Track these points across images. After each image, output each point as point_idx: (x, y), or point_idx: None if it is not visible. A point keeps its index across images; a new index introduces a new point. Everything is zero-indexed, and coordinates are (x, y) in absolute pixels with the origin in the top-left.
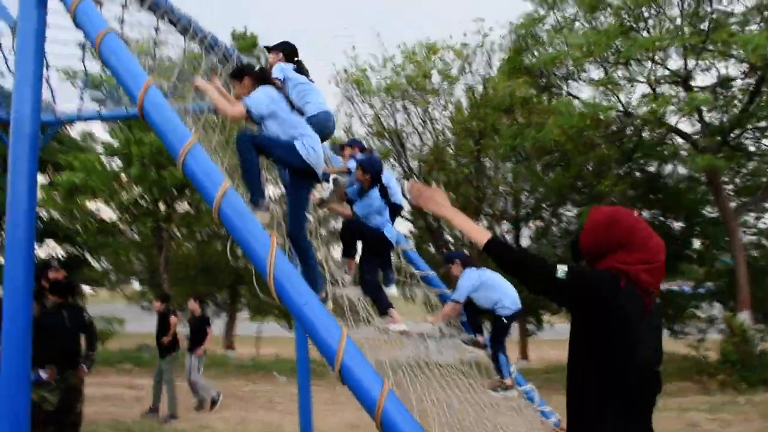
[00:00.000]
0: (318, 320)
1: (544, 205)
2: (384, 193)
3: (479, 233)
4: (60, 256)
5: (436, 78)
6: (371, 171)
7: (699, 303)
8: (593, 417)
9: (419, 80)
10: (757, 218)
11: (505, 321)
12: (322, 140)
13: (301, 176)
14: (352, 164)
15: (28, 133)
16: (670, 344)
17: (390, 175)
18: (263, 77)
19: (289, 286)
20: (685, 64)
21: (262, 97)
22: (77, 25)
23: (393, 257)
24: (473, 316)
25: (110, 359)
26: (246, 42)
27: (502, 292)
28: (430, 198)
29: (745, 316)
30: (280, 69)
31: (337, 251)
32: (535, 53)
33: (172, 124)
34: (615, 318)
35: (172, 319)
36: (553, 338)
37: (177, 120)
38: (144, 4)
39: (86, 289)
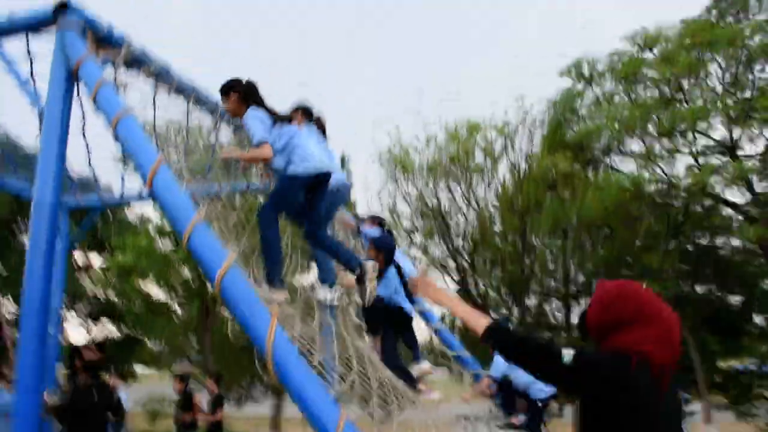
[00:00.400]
0: (316, 404)
1: (594, 282)
2: (399, 272)
3: (478, 321)
4: (115, 336)
5: (479, 156)
6: (384, 250)
7: (766, 382)
8: None
9: (462, 158)
10: None
11: (539, 404)
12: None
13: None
14: (372, 231)
15: (48, 215)
16: (736, 427)
17: (402, 254)
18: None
19: (288, 367)
20: (730, 133)
21: (260, 125)
22: (97, 107)
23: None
24: (509, 396)
25: None
26: None
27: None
28: (428, 288)
29: None
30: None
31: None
32: (574, 128)
33: (179, 202)
34: (626, 405)
35: (196, 397)
36: None
37: (184, 198)
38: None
39: (138, 369)
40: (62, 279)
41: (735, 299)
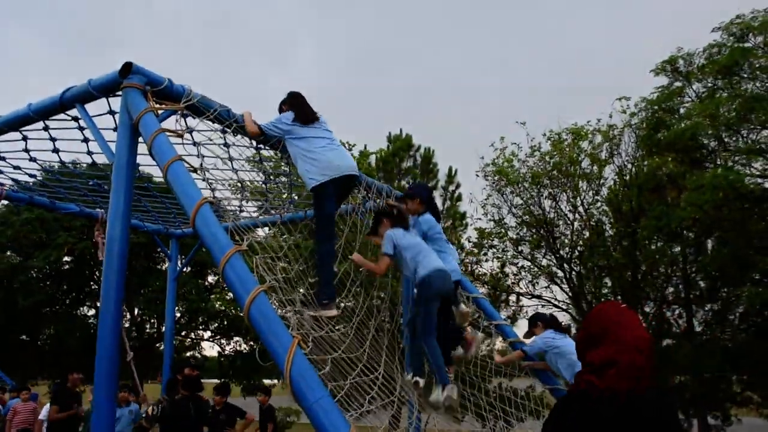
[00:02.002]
0: (326, 416)
1: (721, 287)
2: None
3: None
4: (244, 349)
5: (585, 163)
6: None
7: None
8: None
9: (566, 166)
10: None
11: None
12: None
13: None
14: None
15: (117, 253)
16: None
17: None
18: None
19: (302, 384)
20: None
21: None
22: (152, 155)
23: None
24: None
25: None
26: (401, 142)
27: (566, 366)
28: None
29: None
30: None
31: None
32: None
33: (215, 236)
34: None
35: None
36: None
37: (222, 234)
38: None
39: (267, 381)
40: (174, 298)
41: None
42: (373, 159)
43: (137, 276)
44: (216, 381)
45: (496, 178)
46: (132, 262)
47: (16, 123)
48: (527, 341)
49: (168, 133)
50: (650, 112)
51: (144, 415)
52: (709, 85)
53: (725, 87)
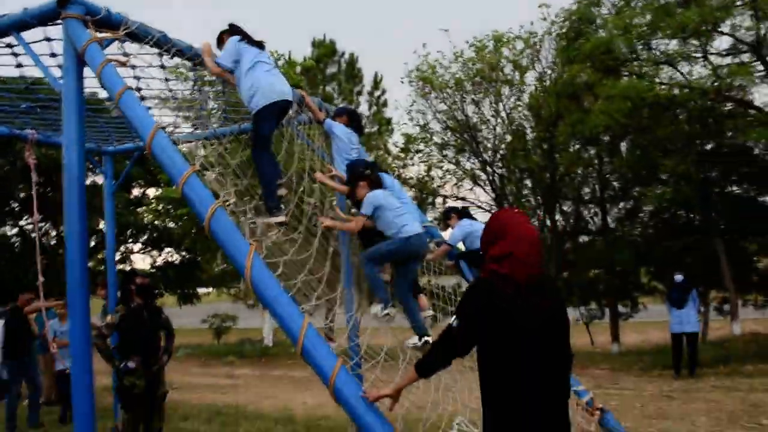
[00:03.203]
0: (284, 311)
1: (633, 187)
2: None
3: (409, 376)
4: (176, 259)
5: (507, 69)
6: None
7: None
8: (504, 411)
9: (489, 72)
10: None
11: None
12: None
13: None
14: (338, 128)
15: (77, 172)
16: (753, 325)
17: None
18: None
19: (261, 284)
20: (757, 31)
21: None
22: (102, 85)
23: None
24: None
25: (218, 353)
26: (326, 48)
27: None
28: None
29: None
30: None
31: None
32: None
33: (172, 160)
34: (493, 318)
35: None
36: (646, 320)
37: (178, 157)
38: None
39: (201, 290)
40: (113, 215)
41: None
42: (298, 69)
43: (61, 191)
44: None
45: (420, 84)
46: (53, 177)
47: None
48: (445, 234)
49: (113, 63)
50: (569, 23)
51: (104, 323)
52: None
53: None
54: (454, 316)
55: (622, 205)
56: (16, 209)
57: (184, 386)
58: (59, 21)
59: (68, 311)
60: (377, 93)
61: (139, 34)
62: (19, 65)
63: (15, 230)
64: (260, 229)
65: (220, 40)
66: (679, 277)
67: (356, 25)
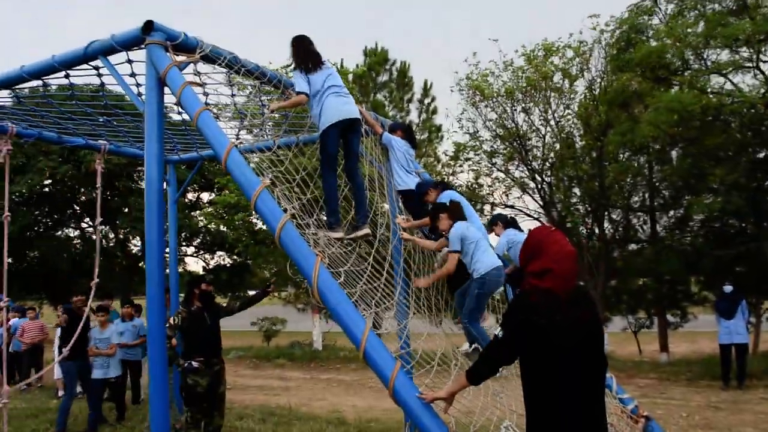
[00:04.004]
0: (347, 316)
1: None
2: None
3: (460, 380)
4: (227, 263)
5: (557, 77)
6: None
7: None
8: (545, 418)
9: (539, 81)
10: None
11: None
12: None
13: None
14: (397, 143)
15: (156, 181)
16: None
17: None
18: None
19: (327, 292)
20: None
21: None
22: (181, 106)
23: None
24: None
25: (269, 355)
26: (378, 57)
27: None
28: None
29: None
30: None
31: None
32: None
33: (246, 176)
34: (536, 327)
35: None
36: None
37: (250, 173)
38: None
39: (251, 292)
40: (175, 221)
41: None
42: (350, 78)
43: (120, 197)
44: None
45: (470, 92)
46: (115, 183)
47: (40, 72)
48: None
49: (192, 85)
50: (620, 31)
51: (167, 324)
52: (677, 4)
53: (692, 7)
54: (500, 328)
55: (671, 213)
56: (78, 212)
57: (237, 387)
58: (142, 46)
59: (147, 313)
60: (427, 100)
61: (212, 56)
62: (102, 84)
63: (77, 232)
64: (323, 241)
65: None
66: (728, 288)
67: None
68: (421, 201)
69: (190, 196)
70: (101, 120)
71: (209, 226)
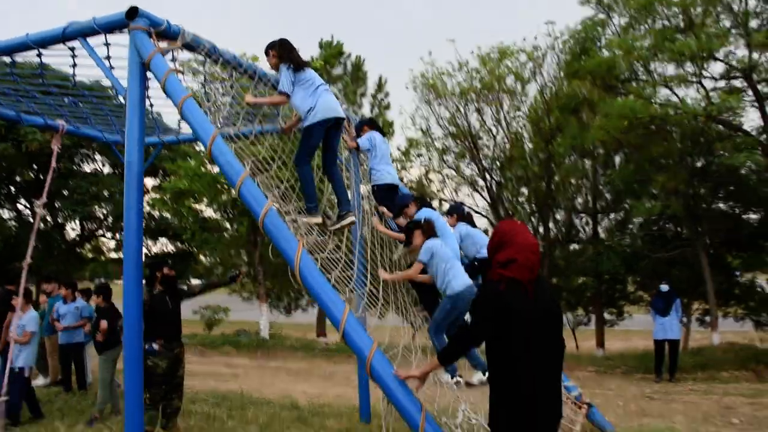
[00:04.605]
0: (328, 299)
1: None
2: None
3: (432, 363)
4: (171, 251)
5: (510, 80)
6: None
7: None
8: (510, 380)
9: (493, 83)
10: None
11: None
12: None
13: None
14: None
15: (137, 163)
16: (732, 336)
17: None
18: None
19: (309, 276)
20: (750, 58)
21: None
22: (166, 93)
23: None
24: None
25: (214, 342)
26: (333, 49)
27: (475, 250)
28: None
29: None
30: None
31: None
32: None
33: (230, 163)
34: (502, 313)
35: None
36: (630, 328)
37: (234, 160)
38: (218, 63)
39: (193, 281)
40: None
41: (753, 217)
42: None
43: (61, 178)
44: None
45: (425, 90)
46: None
47: (12, 49)
48: None
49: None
50: (575, 41)
51: None
52: (629, 18)
53: (642, 22)
54: (469, 314)
55: (612, 216)
56: (14, 193)
57: (186, 373)
58: (125, 30)
59: (124, 299)
60: (380, 96)
61: (193, 44)
62: (74, 65)
63: (12, 214)
64: (304, 228)
65: (267, 54)
66: (664, 287)
67: (363, 29)
68: (401, 214)
69: None
70: (66, 101)
71: (152, 212)
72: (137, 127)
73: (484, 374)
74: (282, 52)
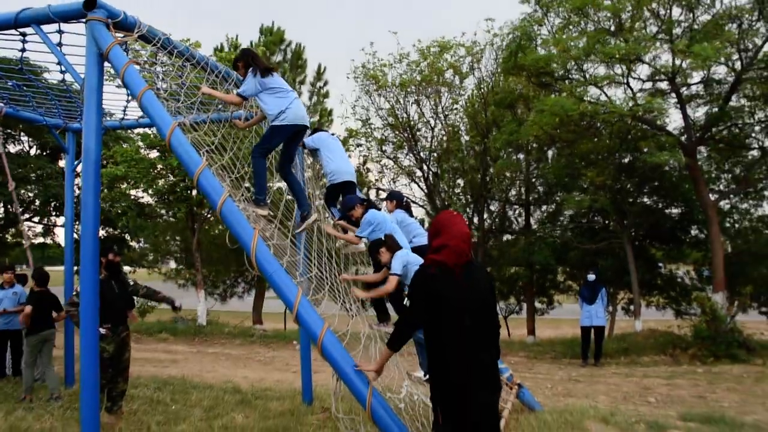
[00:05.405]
0: (282, 282)
1: (555, 192)
2: None
3: (384, 354)
4: (101, 236)
5: (448, 73)
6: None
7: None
8: (441, 364)
9: (432, 76)
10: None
11: None
12: None
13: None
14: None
15: (93, 160)
16: (654, 324)
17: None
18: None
19: (264, 262)
20: (673, 62)
21: (252, 82)
22: (125, 85)
23: None
24: None
25: (150, 329)
26: (274, 36)
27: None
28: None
29: (719, 298)
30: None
31: None
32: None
33: (189, 154)
34: (433, 294)
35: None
36: (559, 317)
37: (193, 151)
38: (172, 55)
39: (126, 268)
40: (72, 192)
41: (675, 212)
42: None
43: None
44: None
45: (366, 81)
46: None
47: None
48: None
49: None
50: (513, 37)
51: (75, 292)
52: (564, 19)
53: (576, 23)
54: (407, 298)
55: (544, 208)
56: None
57: None
58: (82, 21)
59: (80, 284)
60: (320, 84)
61: (148, 36)
62: (23, 50)
63: None
64: (252, 217)
65: (236, 67)
66: (591, 276)
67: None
68: (347, 215)
69: (62, 163)
70: (10, 84)
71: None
72: (95, 115)
73: (425, 375)
74: (246, 59)
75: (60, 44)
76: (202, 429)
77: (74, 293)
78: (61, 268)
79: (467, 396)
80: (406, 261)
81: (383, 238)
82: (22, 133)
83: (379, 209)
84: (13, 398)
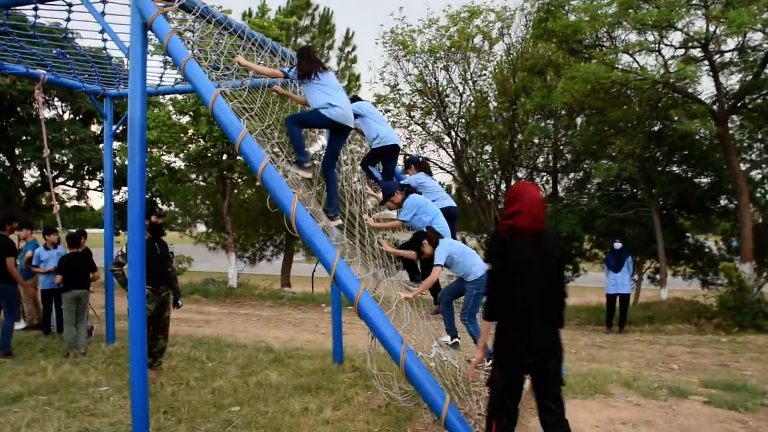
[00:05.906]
0: (321, 245)
1: (583, 160)
2: None
3: (484, 328)
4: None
5: (477, 39)
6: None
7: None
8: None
9: (462, 42)
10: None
11: None
12: None
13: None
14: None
15: (139, 124)
16: (680, 294)
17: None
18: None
19: (304, 225)
20: (707, 29)
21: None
22: (169, 54)
23: None
24: None
25: (183, 290)
26: (300, 1)
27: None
28: None
29: (746, 268)
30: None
31: None
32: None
33: (230, 120)
34: (503, 255)
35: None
36: (584, 285)
37: (234, 118)
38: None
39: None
40: (111, 157)
41: (704, 181)
42: (273, 15)
43: (21, 123)
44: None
45: (394, 47)
46: (17, 109)
47: (12, 2)
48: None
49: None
50: (542, 3)
51: (120, 252)
52: None
53: None
54: (486, 263)
55: (572, 176)
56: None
57: None
58: None
59: (128, 245)
60: (347, 49)
61: (188, 5)
62: (68, 19)
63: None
64: (292, 180)
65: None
66: (617, 244)
67: None
68: (386, 201)
69: (95, 128)
70: (54, 52)
71: (116, 160)
72: (139, 84)
73: (452, 339)
74: (303, 60)
75: (103, 13)
76: (238, 385)
77: (119, 253)
78: (94, 230)
79: (521, 354)
80: (449, 252)
81: (425, 231)
82: (56, 98)
83: (420, 193)
84: (60, 353)
